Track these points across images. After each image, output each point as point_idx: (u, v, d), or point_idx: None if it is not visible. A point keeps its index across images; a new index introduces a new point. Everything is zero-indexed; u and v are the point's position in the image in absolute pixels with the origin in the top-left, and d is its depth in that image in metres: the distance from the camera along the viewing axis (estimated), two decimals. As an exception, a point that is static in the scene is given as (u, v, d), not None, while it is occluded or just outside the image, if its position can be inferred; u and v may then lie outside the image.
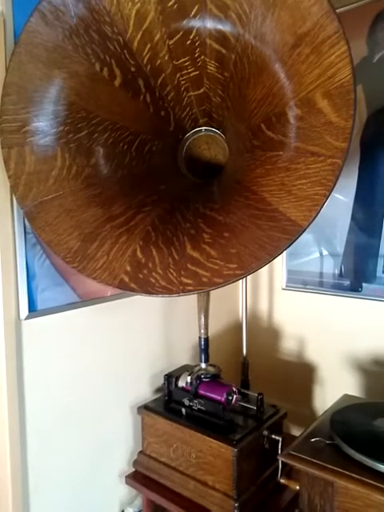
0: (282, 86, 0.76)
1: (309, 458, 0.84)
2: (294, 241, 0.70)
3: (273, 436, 1.05)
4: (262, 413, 1.07)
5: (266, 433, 1.04)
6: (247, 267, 0.72)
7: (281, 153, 0.77)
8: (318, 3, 0.68)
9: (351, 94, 0.67)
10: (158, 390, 1.25)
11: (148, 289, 0.77)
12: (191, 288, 0.75)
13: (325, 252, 1.38)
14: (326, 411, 1.05)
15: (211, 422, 1.03)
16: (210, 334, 1.11)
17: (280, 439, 1.04)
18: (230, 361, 1.45)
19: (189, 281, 0.75)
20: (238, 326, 1.51)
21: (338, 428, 0.91)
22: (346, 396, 1.12)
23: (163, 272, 0.78)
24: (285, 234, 0.71)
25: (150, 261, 0.80)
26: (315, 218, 0.69)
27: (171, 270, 0.78)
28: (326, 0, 0.68)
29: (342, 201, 1.32)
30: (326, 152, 0.69)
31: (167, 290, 0.76)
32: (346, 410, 1.00)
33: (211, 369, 1.08)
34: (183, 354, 1.33)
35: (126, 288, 0.78)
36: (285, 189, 0.74)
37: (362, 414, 0.99)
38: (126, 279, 0.79)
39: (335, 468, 0.80)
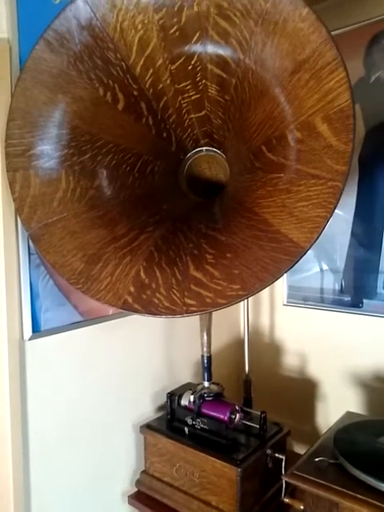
0: (282, 109, 0.78)
1: (313, 478, 0.84)
2: (296, 262, 0.71)
3: (276, 455, 1.04)
4: (265, 431, 1.07)
5: (269, 452, 1.03)
6: (250, 288, 0.73)
7: (282, 175, 0.78)
8: (317, 31, 0.70)
9: (350, 119, 0.69)
10: (160, 408, 1.25)
11: (151, 309, 0.78)
12: (195, 309, 0.75)
13: (325, 267, 1.39)
14: (329, 429, 1.05)
15: (214, 441, 1.03)
16: (211, 350, 1.11)
17: (283, 458, 1.04)
18: (232, 377, 1.45)
19: (192, 302, 0.76)
20: (240, 342, 1.51)
21: (342, 447, 0.91)
22: (349, 413, 1.12)
23: (166, 293, 0.79)
24: (287, 256, 0.72)
25: (153, 281, 0.81)
26: (317, 239, 0.70)
27: (174, 291, 0.78)
28: (324, 28, 0.70)
29: (341, 216, 1.33)
30: (326, 175, 0.71)
31: (171, 311, 0.77)
32: (349, 429, 1.00)
33: (214, 387, 1.08)
34: (185, 372, 1.33)
35: (129, 309, 0.79)
36: (286, 210, 0.75)
37: (365, 432, 0.99)
38: (130, 300, 0.79)
39: (340, 489, 0.80)
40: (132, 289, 0.80)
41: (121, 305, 0.79)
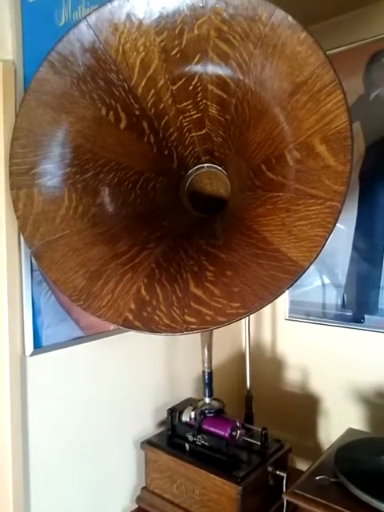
0: (281, 129, 0.79)
1: (314, 498, 0.84)
2: (296, 281, 0.72)
3: (277, 472, 1.04)
4: (266, 448, 1.06)
5: (270, 469, 1.03)
6: (250, 306, 0.73)
7: (281, 194, 0.79)
8: (315, 54, 0.71)
9: (348, 140, 0.70)
10: (161, 424, 1.24)
11: (152, 327, 0.78)
12: (195, 327, 0.76)
13: (327, 281, 1.39)
14: (330, 446, 1.04)
15: (215, 457, 1.03)
16: (212, 364, 1.11)
17: (285, 475, 1.03)
18: (233, 391, 1.44)
19: (192, 319, 0.76)
20: (241, 356, 1.51)
21: (343, 466, 0.91)
22: (351, 430, 1.12)
23: (167, 310, 0.79)
24: (286, 274, 0.73)
25: (153, 298, 0.81)
26: (316, 258, 0.71)
27: (175, 308, 0.79)
28: (322, 51, 0.71)
29: (343, 231, 1.34)
30: (324, 195, 0.71)
31: (171, 329, 0.77)
32: (350, 446, 0.99)
33: (215, 404, 1.08)
34: (187, 387, 1.33)
35: (130, 326, 0.79)
36: (285, 229, 0.76)
37: (367, 450, 0.98)
38: (131, 317, 0.80)
39: (341, 509, 0.80)
40: (133, 306, 0.81)
41: (122, 322, 0.80)
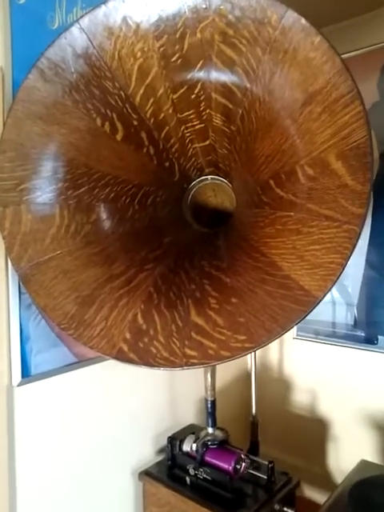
0: (292, 143, 0.72)
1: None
2: (308, 313, 0.64)
3: (285, 509, 0.96)
4: (272, 482, 0.99)
5: (277, 507, 0.95)
6: (257, 340, 0.66)
7: (292, 213, 0.72)
8: (331, 61, 0.64)
9: (367, 157, 0.63)
10: (161, 451, 1.17)
11: (149, 360, 0.71)
12: (196, 361, 0.69)
13: (336, 294, 1.31)
14: (343, 481, 0.97)
15: (218, 493, 0.95)
16: (216, 385, 1.04)
17: (293, 513, 0.95)
18: (238, 414, 1.37)
19: (193, 353, 0.69)
20: (247, 376, 1.43)
21: (357, 506, 0.83)
22: (364, 463, 1.04)
23: (165, 341, 0.72)
24: (298, 305, 0.65)
25: (151, 327, 0.74)
26: (331, 288, 0.63)
27: (174, 339, 0.72)
28: (338, 58, 0.64)
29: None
30: (341, 217, 0.64)
31: (170, 363, 0.70)
32: (364, 484, 0.92)
33: (219, 434, 1.01)
34: (188, 411, 1.26)
35: (124, 359, 0.72)
36: (297, 253, 0.69)
37: (381, 489, 0.91)
38: (125, 348, 0.73)
39: None
40: (128, 335, 0.74)
41: (115, 354, 0.73)
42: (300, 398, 1.37)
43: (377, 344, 1.21)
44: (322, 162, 0.67)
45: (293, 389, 1.39)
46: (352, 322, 1.27)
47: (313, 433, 1.33)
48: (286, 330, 0.65)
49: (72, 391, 0.95)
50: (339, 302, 1.31)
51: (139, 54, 0.75)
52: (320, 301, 0.64)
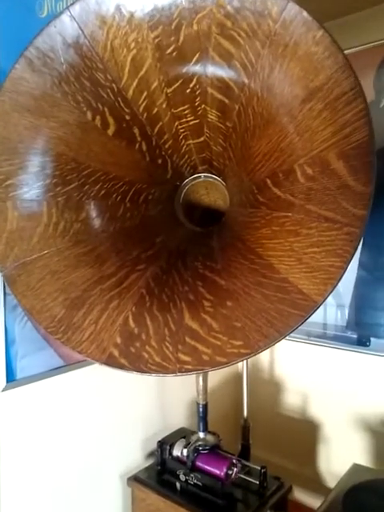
0: (291, 141, 0.69)
1: None
2: (307, 318, 0.62)
3: (277, 515, 0.94)
4: (265, 488, 0.97)
5: (269, 513, 0.93)
6: (254, 346, 0.64)
7: (289, 214, 0.69)
8: (333, 56, 0.62)
9: (370, 156, 0.61)
10: (150, 455, 1.15)
11: (140, 366, 0.68)
12: (190, 367, 0.66)
13: (329, 299, 1.30)
14: (335, 487, 0.96)
15: (209, 499, 0.93)
16: (207, 387, 1.01)
17: (285, 519, 0.94)
18: (229, 415, 1.35)
19: (187, 358, 0.67)
20: (238, 377, 1.41)
21: (352, 514, 0.82)
22: (356, 467, 1.03)
23: (158, 345, 0.69)
24: (296, 310, 0.63)
25: (143, 331, 0.71)
26: (331, 292, 0.61)
27: (167, 344, 0.69)
28: (340, 53, 0.62)
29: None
30: (341, 219, 0.62)
31: (162, 368, 0.67)
32: (358, 490, 0.90)
33: (210, 439, 0.98)
34: (179, 413, 1.23)
35: (115, 364, 0.69)
36: (295, 256, 0.66)
37: (374, 494, 0.89)
38: (116, 353, 0.70)
39: None
40: (118, 340, 0.71)
41: (105, 359, 0.69)
42: (291, 400, 1.36)
43: (369, 346, 1.20)
44: (321, 161, 0.65)
45: (284, 391, 1.37)
46: (344, 324, 1.26)
47: (304, 435, 1.32)
48: (283, 335, 0.63)
49: (59, 395, 0.92)
50: (330, 303, 1.30)
51: (133, 44, 0.71)
52: (319, 305, 0.62)
